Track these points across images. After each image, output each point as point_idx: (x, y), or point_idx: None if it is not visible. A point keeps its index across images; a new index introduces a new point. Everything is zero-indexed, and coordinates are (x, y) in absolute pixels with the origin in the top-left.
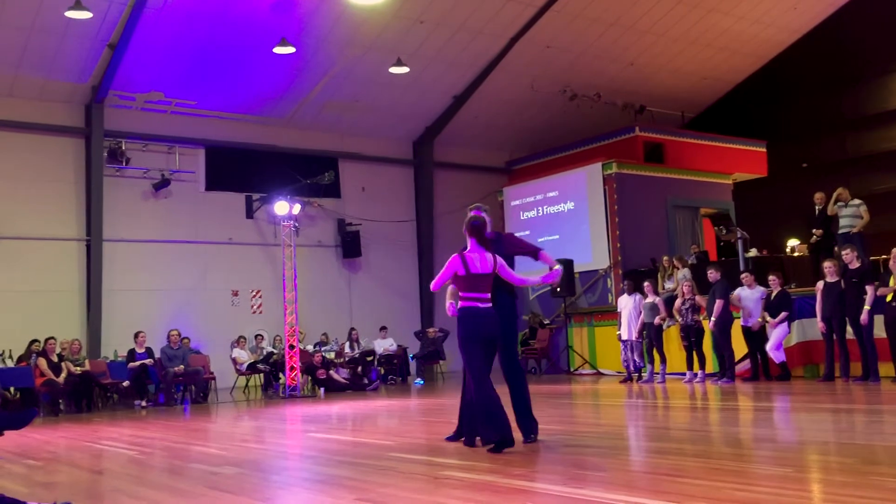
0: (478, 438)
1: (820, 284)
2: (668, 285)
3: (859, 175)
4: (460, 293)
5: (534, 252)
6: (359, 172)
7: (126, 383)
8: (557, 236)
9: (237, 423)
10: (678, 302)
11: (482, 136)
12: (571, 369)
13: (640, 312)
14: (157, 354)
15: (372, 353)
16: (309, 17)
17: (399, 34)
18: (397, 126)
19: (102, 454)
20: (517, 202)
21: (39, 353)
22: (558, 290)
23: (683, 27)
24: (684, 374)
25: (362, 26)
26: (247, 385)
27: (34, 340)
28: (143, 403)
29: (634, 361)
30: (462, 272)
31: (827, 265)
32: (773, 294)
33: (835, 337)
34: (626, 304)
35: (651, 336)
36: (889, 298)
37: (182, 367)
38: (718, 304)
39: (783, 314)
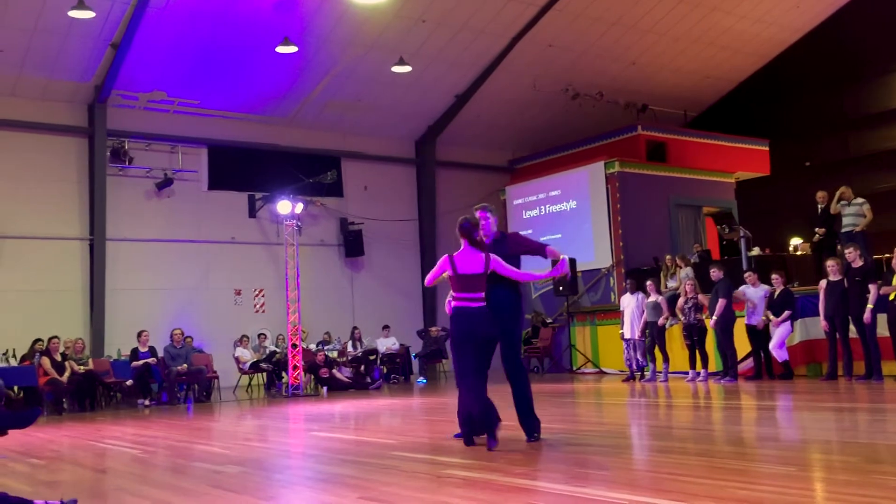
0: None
1: (823, 283)
2: (671, 284)
3: (862, 174)
4: (453, 293)
5: (540, 249)
6: (361, 171)
7: (129, 382)
8: (560, 235)
9: (240, 421)
10: (681, 301)
11: (484, 135)
12: (574, 368)
13: (643, 311)
14: (161, 353)
15: (374, 351)
16: (311, 16)
17: (401, 33)
18: (399, 125)
19: (106, 453)
20: (519, 201)
21: (43, 353)
22: (561, 288)
23: (685, 26)
24: (687, 373)
25: (364, 25)
26: (250, 384)
27: (38, 340)
28: (147, 402)
29: (637, 360)
30: (451, 273)
31: (830, 264)
32: (776, 293)
33: (838, 336)
34: (629, 302)
35: (654, 335)
36: (892, 297)
37: (185, 366)
38: (721, 302)
39: (786, 313)
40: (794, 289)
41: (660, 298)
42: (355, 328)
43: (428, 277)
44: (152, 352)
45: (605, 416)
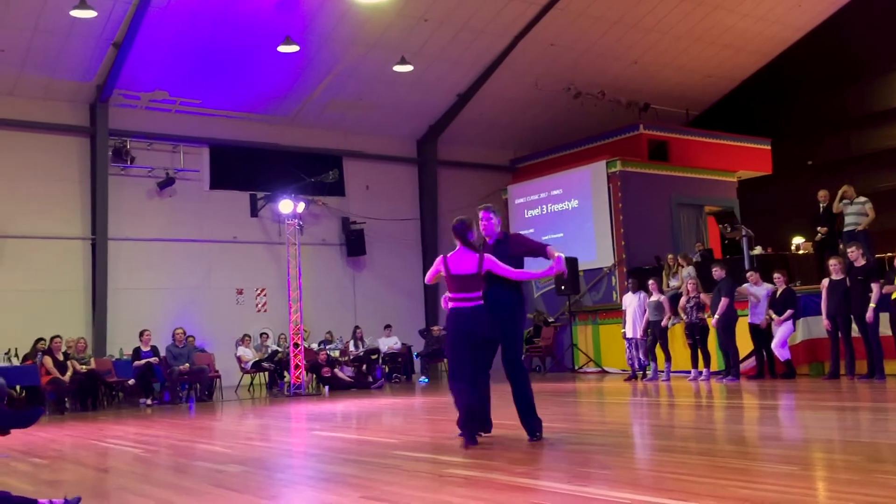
0: (479, 435)
1: (825, 282)
2: (673, 283)
3: (864, 173)
4: (449, 293)
5: (541, 249)
6: (363, 171)
7: (131, 382)
8: (562, 234)
9: (242, 421)
10: (683, 300)
11: (486, 135)
12: (576, 367)
13: (645, 310)
14: (163, 353)
15: (376, 351)
16: (313, 15)
17: (403, 32)
18: (401, 124)
19: (108, 452)
20: (521, 200)
21: (45, 352)
22: (563, 287)
23: (687, 25)
24: (689, 373)
25: (366, 24)
26: (251, 383)
27: (40, 339)
28: (149, 402)
29: (639, 359)
30: (444, 273)
31: (832, 263)
32: (778, 292)
33: (840, 335)
34: (631, 302)
35: (656, 334)
36: (894, 296)
37: (187, 365)
38: (724, 301)
39: (788, 312)
40: (796, 288)
41: (662, 298)
42: (357, 327)
43: (427, 276)
44: (154, 351)
45: (606, 416)
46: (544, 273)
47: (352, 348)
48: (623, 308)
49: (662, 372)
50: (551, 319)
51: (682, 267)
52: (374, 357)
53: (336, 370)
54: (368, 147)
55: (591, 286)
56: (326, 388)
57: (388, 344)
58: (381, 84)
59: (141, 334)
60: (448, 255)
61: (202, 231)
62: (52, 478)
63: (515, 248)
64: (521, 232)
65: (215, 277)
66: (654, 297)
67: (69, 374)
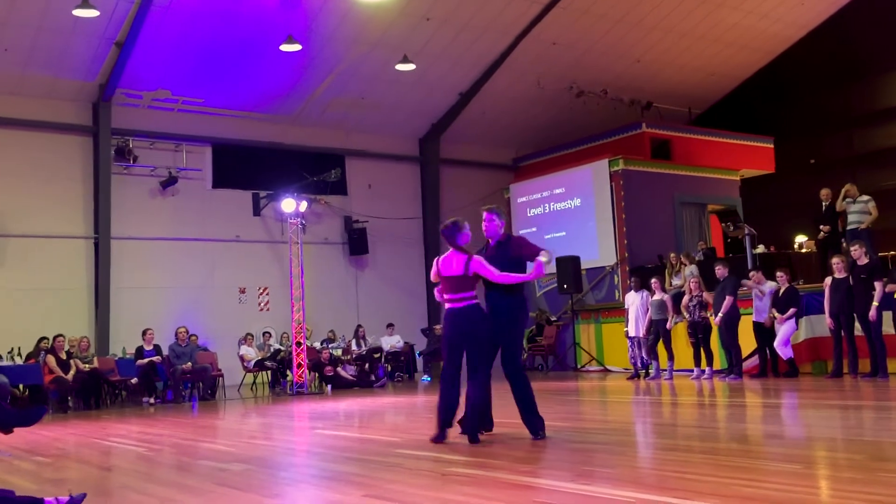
0: (481, 433)
1: (828, 280)
2: (676, 282)
3: (867, 171)
4: (444, 294)
5: (536, 253)
6: (365, 169)
7: (134, 380)
8: (564, 233)
9: (245, 419)
10: (685, 298)
11: (488, 133)
12: (578, 366)
13: (648, 309)
14: (165, 352)
15: (379, 350)
16: (315, 14)
17: (405, 31)
18: (403, 123)
19: (111, 451)
20: (524, 199)
21: (48, 351)
22: (565, 286)
23: (690, 23)
24: (691, 371)
25: (368, 23)
26: (254, 382)
27: (43, 338)
28: (152, 400)
29: (642, 358)
30: (437, 274)
31: (835, 261)
32: (781, 290)
33: (843, 333)
34: (634, 300)
35: (659, 333)
36: None
37: (190, 364)
38: (728, 300)
39: (791, 310)
40: (799, 286)
41: (665, 296)
42: (359, 326)
43: (431, 276)
44: (157, 350)
45: (609, 414)
46: (525, 277)
47: (354, 347)
48: (625, 307)
49: (665, 370)
50: (554, 318)
51: (685, 266)
52: (376, 356)
53: (339, 369)
54: (371, 146)
55: (594, 285)
56: (329, 386)
57: (390, 342)
58: (384, 83)
59: (144, 333)
60: (440, 257)
61: (205, 230)
62: (55, 476)
63: (515, 250)
64: (523, 231)
65: (218, 276)
66: (657, 296)
67: (72, 372)
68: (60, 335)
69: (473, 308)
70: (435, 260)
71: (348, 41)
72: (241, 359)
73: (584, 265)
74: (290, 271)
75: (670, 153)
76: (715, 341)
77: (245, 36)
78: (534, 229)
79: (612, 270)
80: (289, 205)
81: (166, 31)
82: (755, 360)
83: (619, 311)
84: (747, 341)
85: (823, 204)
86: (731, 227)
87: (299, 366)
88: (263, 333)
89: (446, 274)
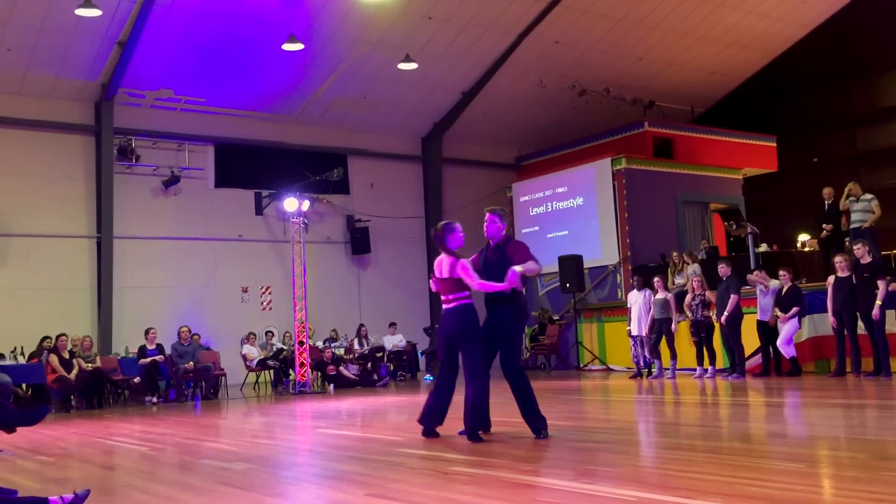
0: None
1: (831, 279)
2: (678, 281)
3: (869, 170)
4: (440, 295)
5: (524, 261)
6: (367, 169)
7: (137, 380)
8: (567, 232)
9: (247, 419)
10: (688, 297)
11: (491, 132)
12: (581, 365)
13: (651, 308)
14: (168, 351)
15: (381, 349)
16: (317, 13)
17: (407, 30)
18: (406, 122)
19: (114, 450)
20: (526, 198)
21: (51, 350)
22: (568, 284)
23: (692, 22)
24: (694, 370)
25: (370, 23)
26: (257, 381)
27: (46, 337)
28: (154, 400)
29: (644, 357)
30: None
31: (838, 260)
32: (784, 289)
33: (846, 332)
34: (636, 299)
35: (662, 331)
36: None
37: (192, 363)
38: (733, 298)
39: (794, 309)
40: (802, 285)
41: (668, 295)
42: (362, 325)
43: None
44: (160, 349)
45: (612, 413)
46: (499, 287)
47: (357, 346)
48: (628, 306)
49: (668, 369)
50: (556, 317)
51: (688, 264)
52: (378, 355)
53: (341, 368)
54: (373, 145)
55: (597, 284)
56: (331, 385)
57: (392, 342)
58: (386, 82)
59: (146, 332)
60: (437, 258)
61: (207, 229)
62: (58, 475)
63: (511, 254)
64: (525, 230)
65: (220, 275)
66: (660, 295)
67: (75, 372)
68: (63, 334)
69: (464, 308)
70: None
71: (350, 40)
72: (244, 358)
73: (587, 264)
74: (292, 270)
75: (673, 152)
76: (717, 340)
77: (247, 35)
78: (536, 228)
79: (614, 269)
80: (291, 204)
81: (169, 30)
82: (758, 358)
83: (622, 310)
84: (749, 340)
85: (826, 203)
86: (734, 226)
87: (302, 365)
88: (266, 332)
89: (439, 276)
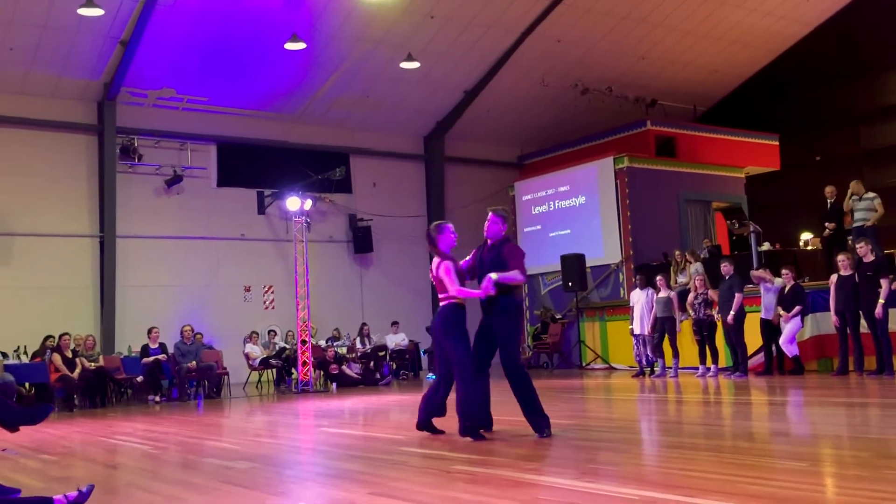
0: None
1: (833, 278)
2: (681, 280)
3: (872, 168)
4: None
5: (514, 269)
6: (370, 168)
7: (140, 379)
8: (569, 231)
9: (250, 417)
10: (691, 296)
11: (493, 131)
12: (583, 364)
13: (653, 307)
14: (171, 350)
15: (384, 347)
16: (319, 12)
17: (409, 29)
18: (408, 121)
19: (117, 449)
20: (528, 197)
21: (54, 349)
22: (570, 283)
23: (695, 20)
24: (697, 369)
25: (372, 22)
26: (259, 380)
27: (49, 336)
28: (157, 399)
29: (647, 356)
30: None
31: (841, 258)
32: (787, 288)
33: (848, 331)
34: (639, 298)
35: (665, 330)
36: None
37: (195, 362)
38: (738, 297)
39: (796, 308)
40: (805, 284)
41: (670, 294)
42: (364, 324)
43: None
44: (162, 348)
45: (614, 412)
46: (475, 294)
47: (359, 345)
48: (630, 304)
49: (670, 368)
50: (559, 316)
51: (690, 263)
52: (381, 354)
53: (343, 367)
54: (375, 144)
55: (599, 283)
56: (334, 384)
57: (395, 340)
58: (388, 81)
59: (149, 331)
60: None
61: (210, 228)
62: (61, 474)
63: (506, 256)
64: (528, 229)
65: (223, 275)
66: (663, 294)
67: (78, 371)
68: (66, 334)
69: (450, 306)
70: None
71: (352, 39)
72: (247, 357)
73: (589, 263)
74: (294, 269)
75: (675, 151)
76: (720, 339)
77: (249, 34)
78: (538, 227)
79: (616, 268)
80: (293, 203)
81: (171, 29)
82: (760, 357)
83: (624, 309)
84: (752, 339)
85: (829, 201)
86: (737, 225)
87: (304, 364)
88: (268, 331)
89: (432, 275)
